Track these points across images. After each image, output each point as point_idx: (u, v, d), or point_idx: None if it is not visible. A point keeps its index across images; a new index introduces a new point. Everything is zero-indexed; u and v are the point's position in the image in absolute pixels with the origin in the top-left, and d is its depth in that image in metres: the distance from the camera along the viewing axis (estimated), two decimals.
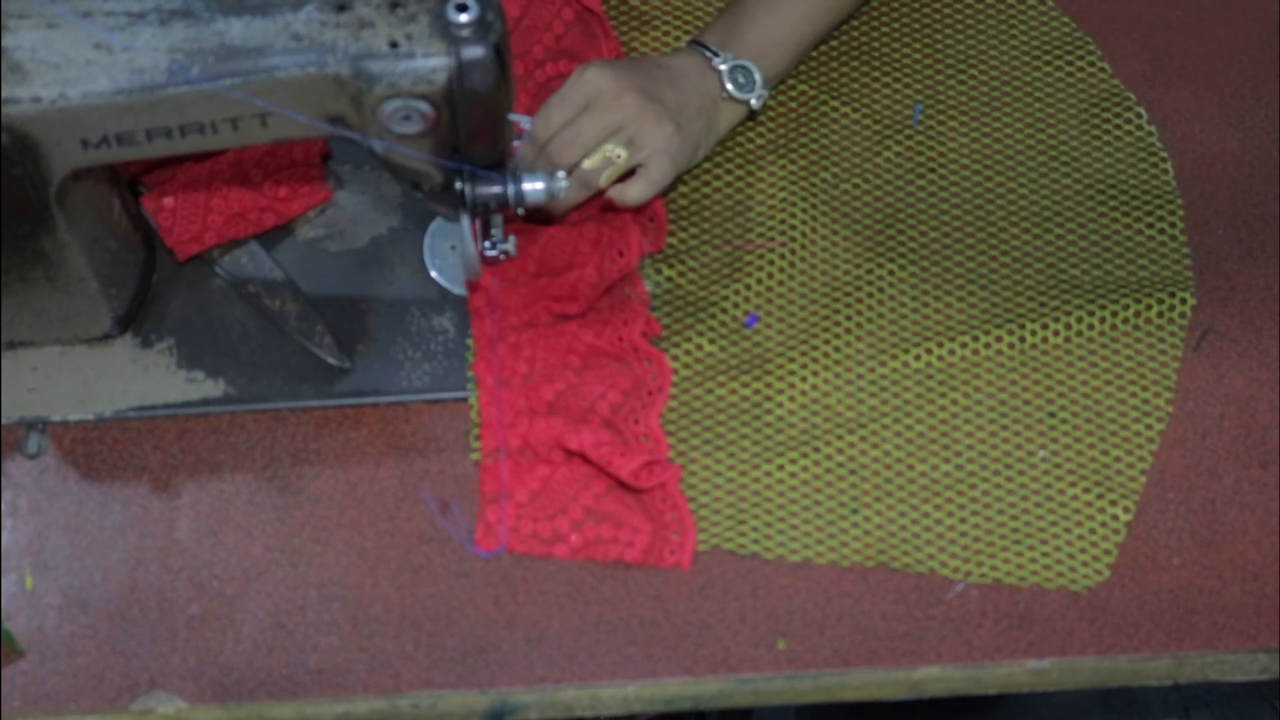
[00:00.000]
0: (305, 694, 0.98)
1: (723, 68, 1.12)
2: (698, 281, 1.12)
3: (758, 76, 1.13)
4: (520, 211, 1.01)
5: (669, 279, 1.12)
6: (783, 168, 1.16)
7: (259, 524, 1.03)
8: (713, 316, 1.10)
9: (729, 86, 1.12)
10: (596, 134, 1.07)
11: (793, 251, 1.13)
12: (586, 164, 1.07)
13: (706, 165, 1.16)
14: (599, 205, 1.12)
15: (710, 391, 1.08)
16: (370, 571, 1.02)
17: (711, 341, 1.09)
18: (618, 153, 1.07)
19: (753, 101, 1.14)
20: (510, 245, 1.08)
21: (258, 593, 1.01)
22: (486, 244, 1.07)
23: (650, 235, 1.12)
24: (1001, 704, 1.79)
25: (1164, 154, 1.20)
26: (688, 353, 1.09)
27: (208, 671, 0.98)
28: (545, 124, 1.08)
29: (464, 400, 1.08)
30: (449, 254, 1.13)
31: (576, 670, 0.99)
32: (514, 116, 1.03)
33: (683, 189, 1.15)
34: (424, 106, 0.91)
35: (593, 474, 1.04)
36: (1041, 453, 1.07)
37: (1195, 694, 1.81)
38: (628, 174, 1.09)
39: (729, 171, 1.16)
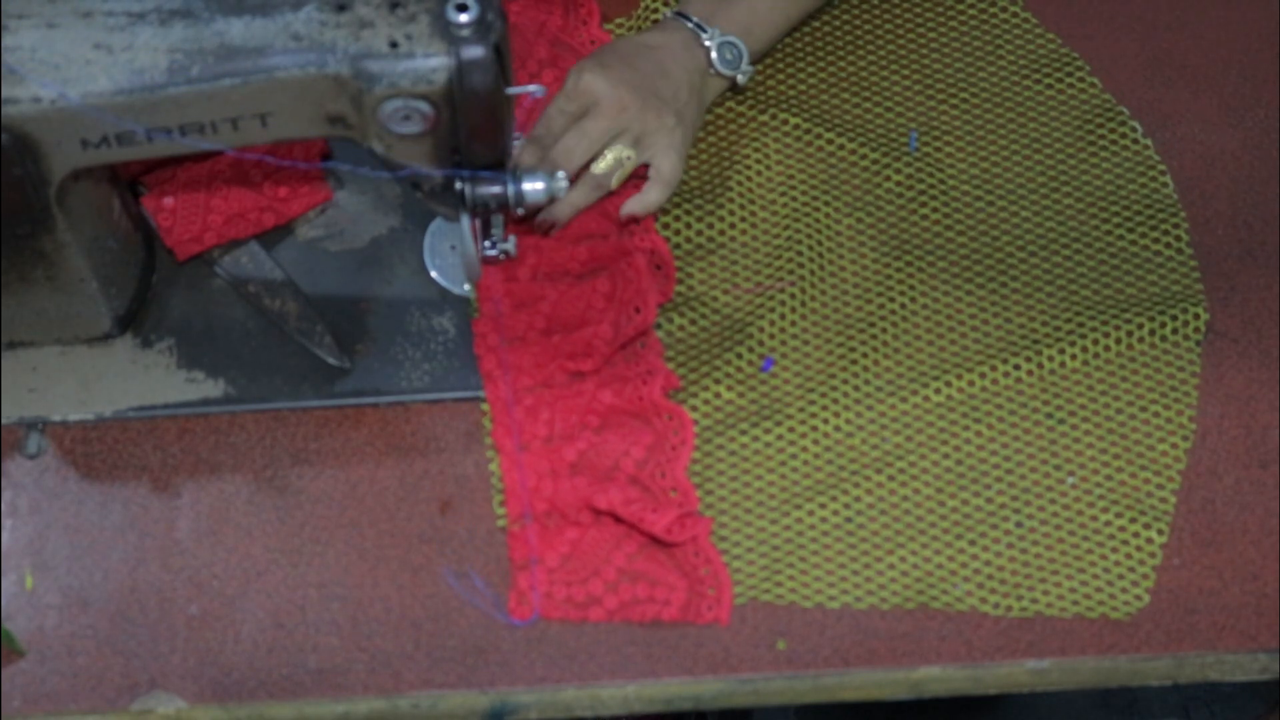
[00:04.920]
0: (305, 694, 0.98)
1: (711, 44, 1.13)
2: (710, 328, 1.11)
3: (745, 53, 1.14)
4: (520, 211, 1.01)
5: (680, 327, 1.11)
6: (785, 205, 1.16)
7: (259, 524, 1.03)
8: (728, 363, 1.09)
9: (717, 63, 1.13)
10: (601, 138, 1.08)
11: (803, 290, 1.12)
12: (597, 168, 1.08)
13: (709, 207, 1.15)
14: (610, 254, 1.11)
15: (733, 440, 1.06)
16: (370, 571, 1.02)
17: (729, 389, 1.08)
18: (627, 154, 1.08)
19: (739, 78, 1.15)
20: (510, 245, 1.08)
21: (258, 593, 1.01)
22: (486, 244, 1.07)
23: (659, 284, 1.11)
24: (1001, 704, 1.79)
25: (1162, 166, 1.19)
26: (706, 402, 1.08)
27: (208, 671, 0.98)
28: (546, 130, 1.08)
29: (464, 400, 1.08)
30: (449, 254, 1.12)
31: (576, 670, 0.99)
32: (528, 89, 1.03)
33: (687, 233, 1.14)
34: (424, 106, 0.91)
35: (623, 533, 1.02)
36: (1070, 480, 1.06)
37: (1195, 694, 1.81)
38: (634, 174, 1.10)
39: (732, 213, 1.15)
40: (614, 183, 1.09)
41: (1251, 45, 1.26)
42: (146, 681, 0.98)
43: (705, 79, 1.14)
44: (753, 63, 1.16)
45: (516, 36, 1.20)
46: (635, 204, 1.11)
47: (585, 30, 1.23)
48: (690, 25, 1.14)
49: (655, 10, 1.22)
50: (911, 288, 1.13)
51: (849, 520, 1.04)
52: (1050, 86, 1.23)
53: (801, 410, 1.08)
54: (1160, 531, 1.04)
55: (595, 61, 1.10)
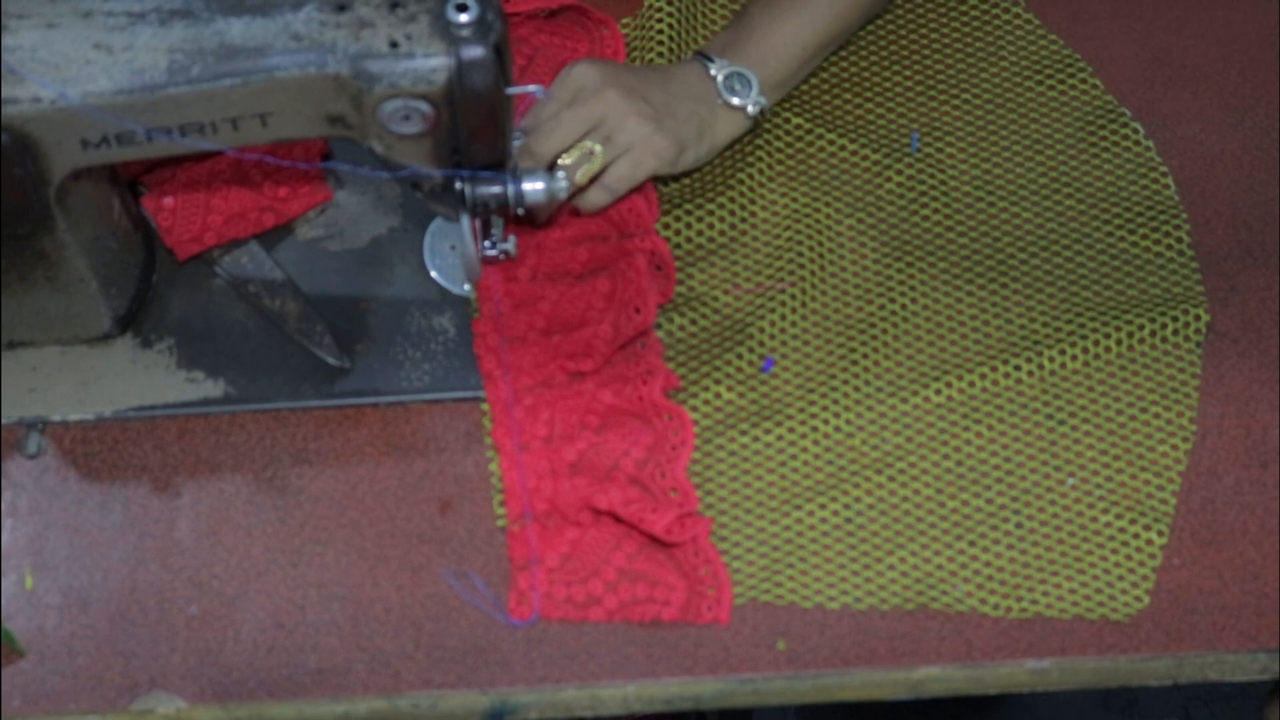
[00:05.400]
0: (305, 694, 0.98)
1: (718, 74, 1.12)
2: (710, 328, 1.11)
3: (754, 82, 1.12)
4: (520, 212, 1.01)
5: (680, 327, 1.11)
6: (785, 205, 1.15)
7: (259, 524, 1.03)
8: (728, 363, 1.09)
9: (724, 92, 1.12)
10: (574, 126, 1.07)
11: (804, 291, 1.12)
12: (563, 160, 1.07)
13: (710, 207, 1.15)
14: (610, 254, 1.11)
15: (733, 440, 1.06)
16: (370, 571, 1.02)
17: (730, 389, 1.08)
18: (593, 148, 1.07)
19: (749, 108, 1.13)
20: (510, 245, 1.08)
21: (258, 593, 1.01)
22: (486, 244, 1.07)
23: (659, 285, 1.11)
24: (1001, 704, 1.79)
25: (1163, 168, 1.19)
26: (706, 402, 1.07)
27: (208, 671, 0.98)
28: (534, 118, 1.08)
29: (464, 400, 1.08)
30: (449, 254, 1.13)
31: (576, 670, 0.99)
32: (528, 88, 1.03)
33: (687, 233, 1.14)
34: (424, 106, 0.91)
35: (623, 533, 1.02)
36: (1070, 480, 1.06)
37: (1195, 694, 1.82)
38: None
39: (732, 213, 1.15)
40: (579, 177, 1.08)
41: (1251, 45, 1.26)
42: (146, 681, 0.98)
43: (715, 112, 1.12)
44: (773, 94, 1.14)
45: (541, 61, 1.20)
46: (579, 201, 1.10)
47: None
48: (702, 61, 1.13)
49: (659, 9, 1.22)
50: (912, 288, 1.13)
51: (849, 521, 1.04)
52: (1052, 88, 1.23)
53: (801, 410, 1.07)
54: (1160, 533, 1.04)
55: (594, 59, 1.10)
